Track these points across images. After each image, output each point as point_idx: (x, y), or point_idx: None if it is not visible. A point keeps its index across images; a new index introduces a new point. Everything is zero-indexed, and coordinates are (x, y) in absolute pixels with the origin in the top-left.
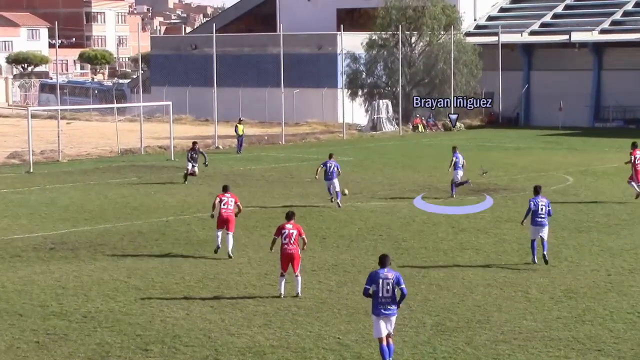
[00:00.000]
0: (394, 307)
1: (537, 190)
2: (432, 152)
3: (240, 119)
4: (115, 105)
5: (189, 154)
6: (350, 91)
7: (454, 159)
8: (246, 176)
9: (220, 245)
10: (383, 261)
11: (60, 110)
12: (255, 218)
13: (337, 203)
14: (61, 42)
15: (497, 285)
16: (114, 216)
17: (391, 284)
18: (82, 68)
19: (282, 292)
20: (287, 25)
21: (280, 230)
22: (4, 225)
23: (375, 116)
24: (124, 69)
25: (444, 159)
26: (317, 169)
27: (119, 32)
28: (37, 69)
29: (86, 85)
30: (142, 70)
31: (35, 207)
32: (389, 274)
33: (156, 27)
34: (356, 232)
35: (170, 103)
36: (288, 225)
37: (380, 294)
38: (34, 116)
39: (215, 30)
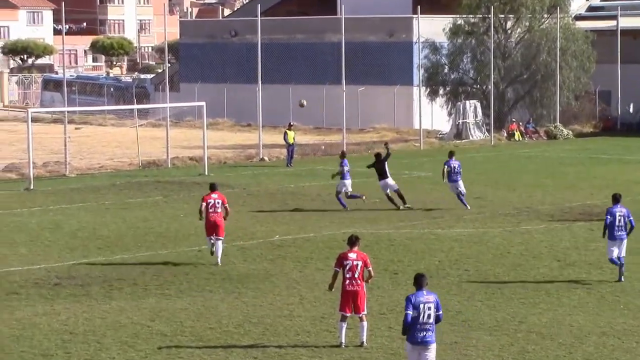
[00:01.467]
0: (433, 334)
1: (616, 199)
2: (533, 165)
3: (290, 123)
4: (135, 106)
5: None
6: (429, 89)
7: (446, 167)
8: (298, 195)
9: (214, 250)
10: (420, 282)
11: (68, 112)
12: (308, 248)
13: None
14: (69, 27)
15: (614, 334)
16: (134, 244)
17: (432, 308)
18: (94, 60)
19: (343, 340)
20: (350, 7)
21: (341, 261)
22: None
23: (461, 121)
24: (147, 62)
25: (548, 174)
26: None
27: (141, 16)
28: (40, 61)
29: (100, 82)
30: (168, 63)
31: (36, 233)
32: (429, 296)
33: (187, 9)
34: (436, 265)
35: (203, 104)
36: (352, 255)
37: (421, 319)
38: (35, 120)
39: (261, 14)
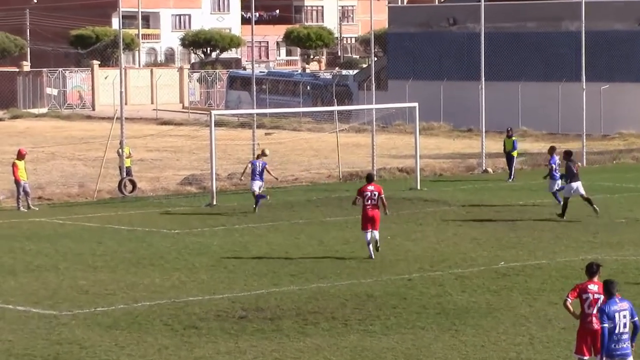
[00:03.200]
0: (628, 345)
1: (609, 290)
2: None
3: (508, 129)
4: (335, 107)
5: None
6: None
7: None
8: (527, 214)
9: (372, 255)
10: (610, 289)
11: (257, 115)
12: (540, 277)
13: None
14: (259, 16)
15: None
16: (333, 271)
17: (627, 316)
18: (288, 53)
19: None
20: None
21: (580, 294)
22: (174, 281)
23: None
24: (349, 55)
25: None
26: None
27: (343, 2)
28: (225, 54)
29: (294, 79)
30: (375, 56)
31: (219, 256)
32: (623, 304)
33: None
34: None
35: (416, 105)
36: (592, 287)
37: (616, 331)
38: (219, 123)
39: None
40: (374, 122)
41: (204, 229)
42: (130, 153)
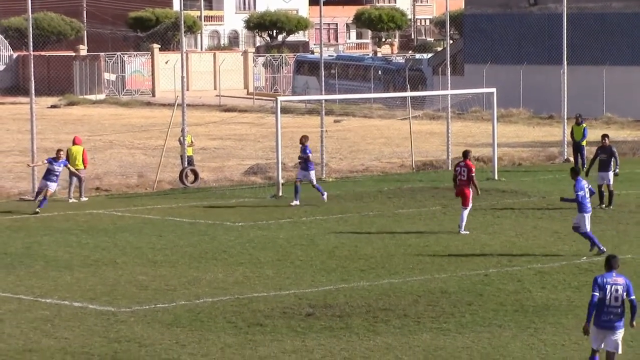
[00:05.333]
0: (621, 319)
1: (610, 264)
2: None
3: (577, 116)
4: (408, 93)
5: None
6: None
7: None
8: (613, 206)
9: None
10: (611, 263)
11: (325, 101)
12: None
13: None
14: None
15: None
16: (405, 266)
17: (620, 291)
18: (359, 36)
19: None
20: None
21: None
22: (238, 277)
23: None
24: (423, 38)
25: None
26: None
27: None
28: (292, 37)
29: (365, 63)
30: (450, 39)
31: (285, 251)
32: (619, 278)
33: None
34: None
35: (493, 90)
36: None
37: (607, 302)
38: (285, 110)
39: None
40: (449, 109)
41: (270, 221)
42: (192, 141)
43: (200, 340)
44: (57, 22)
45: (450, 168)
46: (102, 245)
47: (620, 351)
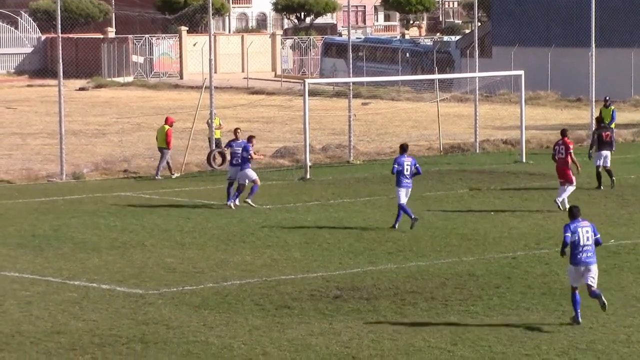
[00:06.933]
0: (594, 256)
1: (574, 213)
2: None
3: (606, 98)
4: (436, 76)
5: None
6: None
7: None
8: (637, 189)
9: (561, 206)
10: (575, 213)
11: (353, 84)
12: None
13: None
14: None
15: None
16: (432, 249)
17: (590, 231)
18: (387, 18)
19: None
20: None
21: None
22: (266, 259)
23: None
24: (451, 20)
25: None
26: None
27: None
28: (320, 20)
29: (393, 45)
30: (478, 21)
31: (313, 233)
32: (585, 222)
33: None
34: None
35: (521, 73)
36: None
37: (581, 242)
38: (313, 93)
39: None
40: (477, 92)
41: (297, 204)
42: (220, 124)
43: (228, 323)
44: (85, 4)
45: (478, 151)
46: (130, 228)
47: (595, 285)
